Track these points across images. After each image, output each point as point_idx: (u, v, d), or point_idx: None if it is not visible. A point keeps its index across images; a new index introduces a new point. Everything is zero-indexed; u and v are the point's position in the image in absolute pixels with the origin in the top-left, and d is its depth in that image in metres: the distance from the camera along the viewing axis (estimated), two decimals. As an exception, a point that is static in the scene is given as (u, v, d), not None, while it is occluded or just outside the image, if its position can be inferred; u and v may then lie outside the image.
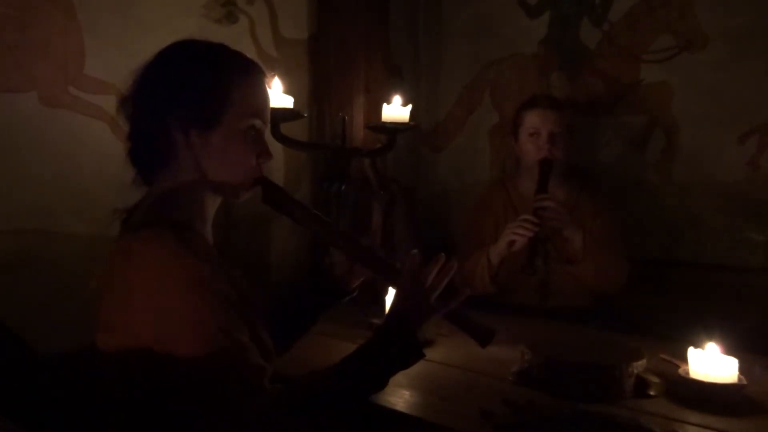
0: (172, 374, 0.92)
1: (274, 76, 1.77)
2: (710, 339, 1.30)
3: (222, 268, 0.98)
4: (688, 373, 1.28)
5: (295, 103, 1.80)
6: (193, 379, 0.92)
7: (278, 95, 1.74)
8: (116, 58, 1.84)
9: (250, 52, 2.21)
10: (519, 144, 2.10)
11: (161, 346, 0.92)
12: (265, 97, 1.11)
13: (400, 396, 1.24)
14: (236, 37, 2.16)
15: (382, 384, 1.10)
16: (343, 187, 1.90)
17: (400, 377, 1.33)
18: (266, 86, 1.12)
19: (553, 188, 1.95)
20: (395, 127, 1.85)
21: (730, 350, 1.28)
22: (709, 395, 1.23)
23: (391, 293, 1.62)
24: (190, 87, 1.03)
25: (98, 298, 1.01)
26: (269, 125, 1.15)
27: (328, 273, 1.33)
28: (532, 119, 2.04)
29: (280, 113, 1.75)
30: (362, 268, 1.29)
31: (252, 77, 1.08)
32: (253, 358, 0.96)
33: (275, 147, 2.11)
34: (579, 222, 1.95)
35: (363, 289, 1.35)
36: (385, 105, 1.85)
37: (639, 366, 1.29)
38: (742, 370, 1.26)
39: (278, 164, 2.33)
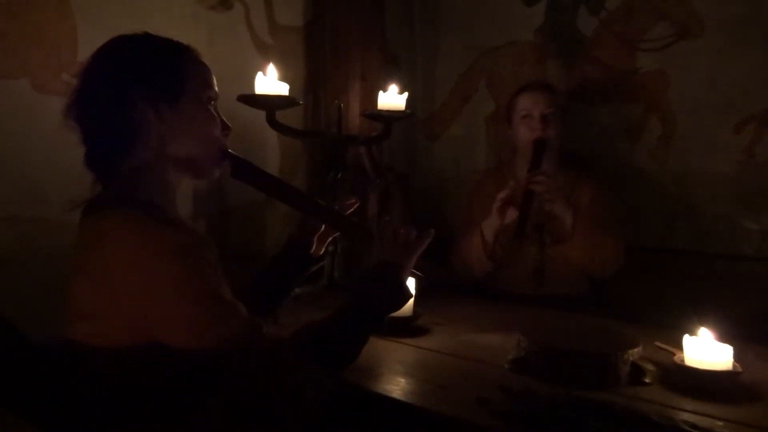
0: (171, 347, 0.92)
1: (268, 63, 1.76)
2: (705, 326, 1.31)
3: (195, 233, 1.00)
4: (683, 360, 1.29)
5: (290, 90, 1.78)
6: (193, 345, 0.92)
7: (273, 82, 1.73)
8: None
9: (245, 39, 2.21)
10: (513, 129, 2.12)
11: (153, 321, 0.92)
12: (210, 71, 1.13)
13: (396, 384, 1.24)
14: (231, 24, 2.14)
15: (378, 326, 1.20)
16: (339, 175, 1.90)
17: (396, 365, 1.34)
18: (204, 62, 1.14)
19: (549, 171, 1.96)
20: (391, 115, 1.84)
21: (724, 338, 1.28)
22: (703, 382, 1.24)
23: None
24: (148, 63, 1.04)
25: (67, 287, 1.01)
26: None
27: (296, 242, 1.42)
28: (524, 102, 2.07)
29: (276, 100, 1.73)
30: (327, 234, 1.43)
31: (195, 56, 1.11)
32: (244, 312, 0.98)
33: (270, 135, 2.12)
34: (574, 203, 1.96)
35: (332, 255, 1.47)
36: (381, 93, 1.84)
37: (634, 353, 1.30)
38: (736, 357, 1.26)
39: (274, 152, 2.32)
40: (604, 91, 2.36)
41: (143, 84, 1.03)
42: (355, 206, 1.42)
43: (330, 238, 1.46)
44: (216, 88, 1.13)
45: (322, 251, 1.46)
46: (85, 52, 1.79)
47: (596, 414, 1.11)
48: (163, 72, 1.05)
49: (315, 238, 1.42)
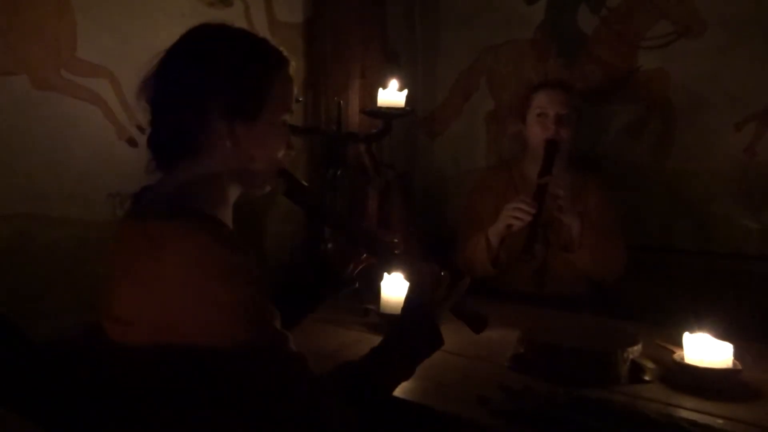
0: (217, 366, 0.89)
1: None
2: (705, 325, 1.31)
3: (252, 256, 0.96)
4: (683, 358, 1.29)
5: (290, 87, 1.78)
6: (238, 370, 0.89)
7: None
8: (109, 42, 1.82)
9: (245, 36, 2.20)
10: (526, 125, 2.08)
11: (203, 338, 0.88)
12: (293, 92, 1.10)
13: (396, 381, 1.23)
14: (230, 21, 2.13)
15: (410, 373, 1.14)
16: (338, 173, 1.89)
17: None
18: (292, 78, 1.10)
19: (557, 173, 1.93)
20: (391, 113, 1.83)
21: (724, 336, 1.28)
22: (703, 381, 1.24)
23: (386, 280, 1.62)
24: (236, 76, 0.99)
25: (110, 284, 0.97)
26: None
27: (327, 261, 1.34)
28: (540, 99, 2.03)
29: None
30: (363, 258, 1.34)
31: (287, 70, 1.07)
32: (293, 345, 0.95)
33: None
34: (580, 209, 1.93)
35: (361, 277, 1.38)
36: (381, 90, 1.84)
37: (634, 351, 1.30)
38: (736, 355, 1.26)
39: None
40: (604, 89, 2.36)
41: (226, 97, 0.98)
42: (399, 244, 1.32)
43: (364, 264, 1.37)
44: (293, 106, 1.10)
45: (356, 273, 1.38)
46: (84, 48, 1.80)
47: (596, 412, 1.11)
48: (250, 89, 1.00)
49: (352, 264, 1.36)
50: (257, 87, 1.01)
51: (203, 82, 0.98)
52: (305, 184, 1.21)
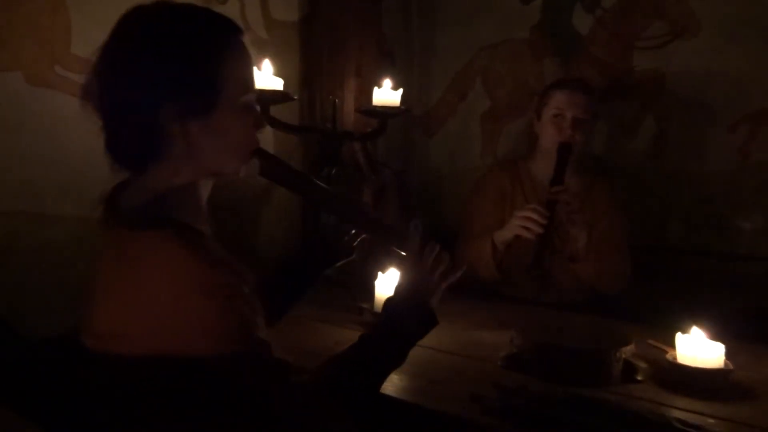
0: (198, 377, 0.87)
1: (264, 58, 1.75)
2: (697, 325, 1.31)
3: (231, 266, 0.91)
4: (675, 358, 1.29)
5: (285, 85, 1.78)
6: (217, 383, 0.87)
7: (268, 77, 1.72)
8: (104, 38, 1.81)
9: (241, 34, 2.19)
10: (540, 124, 2.00)
11: (182, 350, 0.86)
12: (252, 64, 1.00)
13: (389, 380, 1.22)
14: None
15: (403, 357, 1.12)
16: (333, 171, 1.89)
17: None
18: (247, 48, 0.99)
19: (567, 178, 1.84)
20: (386, 112, 1.83)
21: (717, 336, 1.29)
22: (695, 380, 1.24)
23: (380, 279, 1.62)
24: (183, 71, 0.89)
25: (88, 296, 0.95)
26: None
27: (320, 237, 1.32)
28: (559, 99, 1.93)
29: (270, 96, 1.73)
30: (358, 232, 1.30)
31: (238, 44, 0.96)
32: (274, 354, 0.92)
33: (265, 130, 2.10)
34: (587, 214, 1.86)
35: (352, 272, 1.36)
36: (375, 89, 1.83)
37: (627, 351, 1.30)
38: (728, 355, 1.27)
39: (268, 147, 2.30)
40: (599, 89, 2.36)
41: (173, 96, 0.89)
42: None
43: (359, 239, 1.34)
44: (254, 87, 1.00)
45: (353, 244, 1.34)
46: (78, 45, 1.80)
47: (588, 411, 1.11)
48: (197, 82, 0.90)
49: (348, 236, 1.32)
50: (205, 77, 0.90)
51: (144, 82, 0.89)
52: (281, 159, 1.16)
